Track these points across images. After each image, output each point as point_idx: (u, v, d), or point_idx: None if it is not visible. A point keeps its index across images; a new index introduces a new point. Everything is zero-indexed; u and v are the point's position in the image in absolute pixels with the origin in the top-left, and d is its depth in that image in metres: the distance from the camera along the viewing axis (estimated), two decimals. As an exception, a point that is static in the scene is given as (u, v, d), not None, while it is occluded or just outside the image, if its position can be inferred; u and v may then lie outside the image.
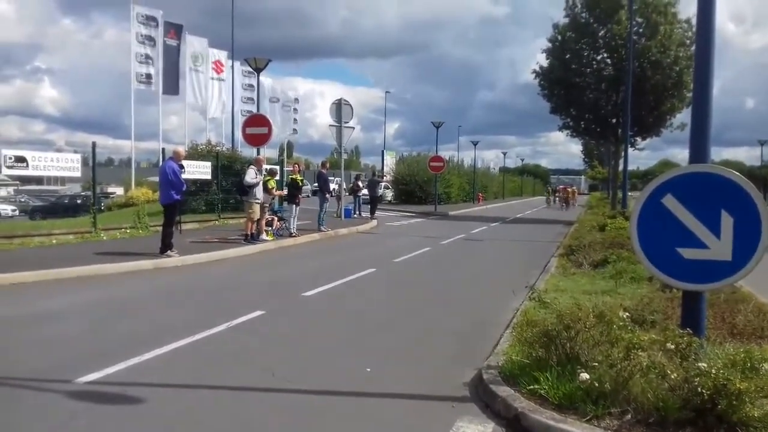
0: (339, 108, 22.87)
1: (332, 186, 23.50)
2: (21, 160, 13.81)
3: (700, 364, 4.09)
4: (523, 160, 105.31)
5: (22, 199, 43.04)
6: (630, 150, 30.10)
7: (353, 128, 23.88)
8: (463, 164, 60.01)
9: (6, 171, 14.09)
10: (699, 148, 4.83)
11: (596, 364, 4.51)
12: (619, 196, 30.92)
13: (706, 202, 4.66)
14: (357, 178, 30.32)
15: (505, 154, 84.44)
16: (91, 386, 5.04)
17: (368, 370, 5.68)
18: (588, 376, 4.35)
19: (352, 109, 23.42)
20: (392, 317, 8.13)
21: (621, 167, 31.64)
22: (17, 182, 46.48)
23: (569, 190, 52.99)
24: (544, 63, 33.82)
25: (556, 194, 55.76)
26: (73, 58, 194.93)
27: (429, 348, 6.56)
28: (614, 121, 33.11)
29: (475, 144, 61.18)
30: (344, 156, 24.73)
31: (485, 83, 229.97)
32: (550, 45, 33.37)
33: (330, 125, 23.12)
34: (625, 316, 5.21)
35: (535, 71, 34.23)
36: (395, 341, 6.85)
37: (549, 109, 34.64)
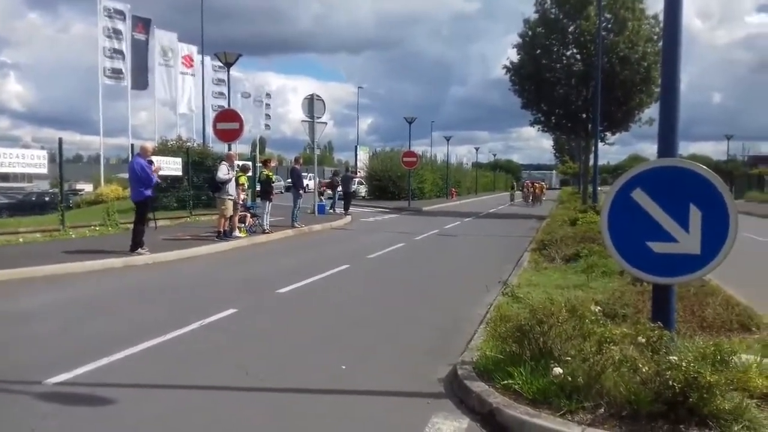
0: (311, 103, 22.72)
1: (306, 182, 23.34)
2: (-15, 156, 13.48)
3: (671, 358, 4.14)
4: (495, 155, 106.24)
5: (-13, 197, 41.98)
6: (600, 145, 30.53)
7: (326, 123, 23.75)
8: (436, 159, 60.17)
9: (-31, 168, 13.74)
10: (667, 142, 4.89)
11: (569, 358, 4.55)
12: (589, 190, 31.30)
13: (675, 197, 4.72)
14: (335, 174, 30.26)
15: (477, 149, 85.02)
16: (60, 387, 4.94)
17: (343, 367, 5.65)
18: (561, 371, 4.38)
19: (324, 104, 23.28)
20: (367, 313, 8.11)
21: (591, 162, 32.06)
22: (-19, 179, 45.28)
23: (536, 185, 49.11)
24: (515, 58, 34.08)
25: (522, 189, 50.46)
26: (40, 52, 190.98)
27: (404, 344, 6.56)
28: (584, 116, 33.48)
29: (447, 139, 61.50)
30: (317, 152, 24.60)
31: (457, 79, 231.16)
32: (520, 40, 33.60)
33: (302, 121, 22.97)
34: (597, 310, 5.27)
35: (506, 66, 34.47)
36: (370, 338, 6.84)
37: (520, 105, 34.92)
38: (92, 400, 4.73)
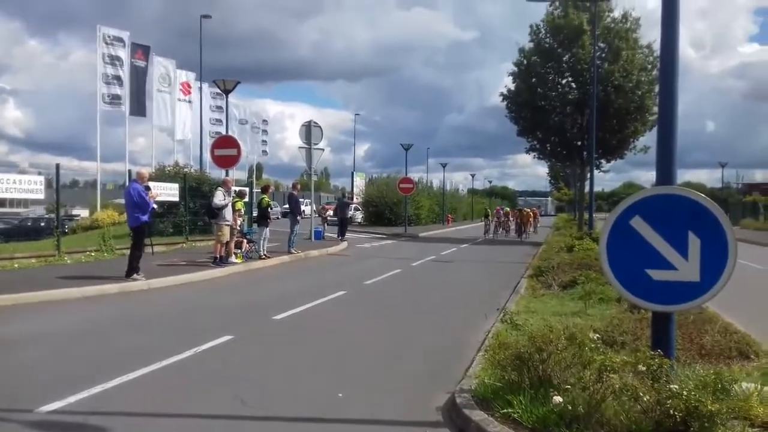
0: (309, 130, 22.84)
1: (303, 208, 23.36)
2: (-19, 181, 13.47)
3: (671, 386, 4.11)
4: (491, 182, 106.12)
5: (-18, 222, 41.84)
6: (595, 172, 30.64)
7: (323, 150, 23.88)
8: (432, 186, 60.31)
9: (-35, 193, 13.71)
10: (665, 170, 4.91)
11: (569, 386, 4.51)
12: (585, 217, 31.37)
13: (674, 224, 4.73)
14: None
15: (473, 176, 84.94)
16: (52, 416, 4.87)
17: (340, 395, 5.59)
18: (561, 399, 4.34)
19: (321, 130, 23.40)
20: (363, 340, 8.06)
21: (587, 189, 32.17)
22: (-23, 204, 45.18)
23: (525, 212, 37.22)
24: (511, 86, 34.38)
25: (500, 219, 36.36)
26: (39, 79, 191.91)
27: (401, 371, 6.50)
28: (579, 143, 33.68)
29: (443, 166, 61.63)
30: (314, 178, 24.67)
31: (454, 106, 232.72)
32: (516, 69, 33.93)
33: (300, 147, 23.06)
34: (595, 337, 5.24)
35: (502, 94, 34.78)
36: (367, 365, 6.78)
37: (516, 132, 35.13)
38: (85, 429, 4.66)
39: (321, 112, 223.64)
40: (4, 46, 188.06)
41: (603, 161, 35.01)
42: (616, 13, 32.16)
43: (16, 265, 13.89)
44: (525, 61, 33.49)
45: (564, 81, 33.60)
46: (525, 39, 34.97)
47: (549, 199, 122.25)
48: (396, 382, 6.09)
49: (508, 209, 41.22)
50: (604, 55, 31.56)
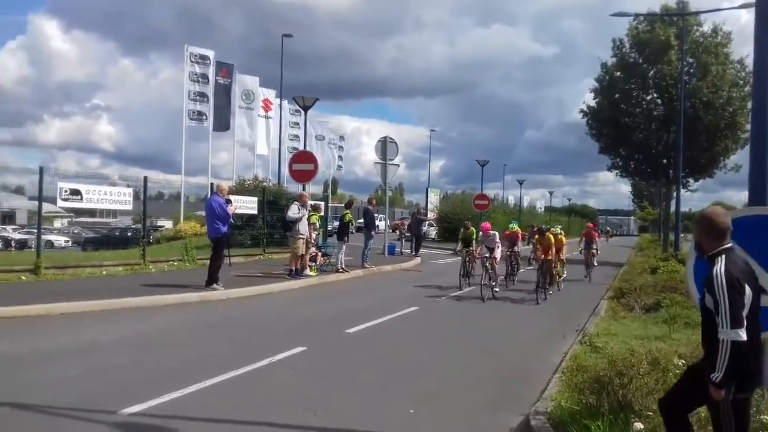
0: (384, 145, 23.01)
1: (377, 223, 23.51)
2: (76, 192, 14.26)
3: (762, 417, 3.85)
4: (570, 199, 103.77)
5: (75, 231, 44.42)
6: (682, 191, 29.41)
7: (398, 165, 23.93)
8: (508, 203, 59.56)
9: (61, 203, 14.55)
10: (759, 190, 4.65)
11: (651, 413, 4.30)
12: (671, 238, 30.09)
13: (769, 246, 4.43)
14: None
15: (551, 193, 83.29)
16: (134, 418, 5.04)
17: (411, 411, 5.54)
18: (642, 426, 4.14)
19: (397, 146, 23.51)
20: (435, 357, 7.97)
21: (672, 209, 30.89)
22: (72, 214, 48.01)
23: (551, 235, 15.82)
24: (592, 103, 33.55)
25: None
26: (130, 96, 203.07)
27: (473, 390, 6.38)
28: (665, 161, 32.44)
29: (520, 183, 60.80)
30: (389, 193, 24.79)
31: (532, 122, 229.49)
32: (597, 85, 33.11)
33: (375, 162, 23.25)
34: (680, 363, 4.99)
35: (582, 111, 33.99)
36: (438, 382, 6.69)
37: (598, 149, 34.23)
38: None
39: (397, 128, 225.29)
40: (100, 65, 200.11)
41: (690, 180, 33.61)
42: (706, 28, 30.90)
43: (104, 272, 14.59)
44: (607, 77, 32.67)
45: (649, 97, 32.54)
46: (607, 54, 34.04)
47: (632, 218, 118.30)
48: (468, 401, 5.97)
49: (517, 228, 18.27)
50: (692, 70, 30.35)
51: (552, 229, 17.23)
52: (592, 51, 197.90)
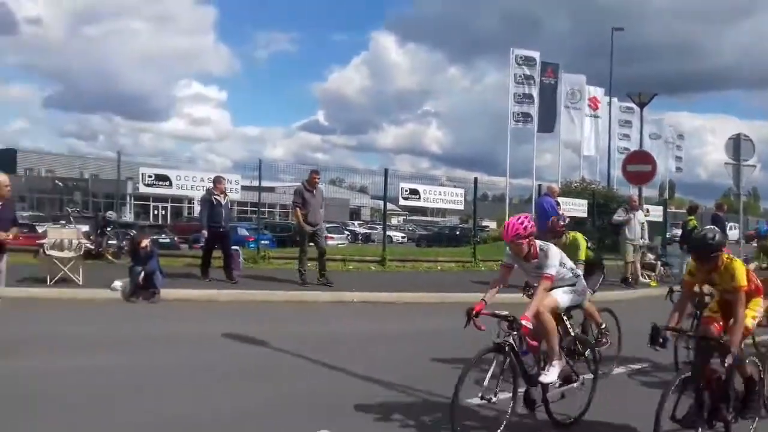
0: (737, 144, 20.01)
1: (728, 231, 20.65)
2: (414, 192, 15.44)
3: None
4: None
5: (410, 228, 48.55)
6: None
7: (754, 167, 20.61)
8: None
9: (402, 202, 15.81)
10: None
11: None
12: None
13: None
14: None
15: None
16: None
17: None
18: None
19: (753, 145, 20.28)
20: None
21: None
22: (406, 212, 52.58)
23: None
24: None
25: None
26: (456, 102, 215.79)
27: None
28: None
29: None
30: (743, 198, 21.55)
31: None
32: None
33: (725, 163, 20.34)
34: None
35: None
36: None
37: None
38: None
39: (748, 125, 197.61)
40: (429, 74, 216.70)
41: None
42: None
43: (438, 268, 15.47)
44: None
45: None
46: None
47: None
48: None
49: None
50: None
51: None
52: None
